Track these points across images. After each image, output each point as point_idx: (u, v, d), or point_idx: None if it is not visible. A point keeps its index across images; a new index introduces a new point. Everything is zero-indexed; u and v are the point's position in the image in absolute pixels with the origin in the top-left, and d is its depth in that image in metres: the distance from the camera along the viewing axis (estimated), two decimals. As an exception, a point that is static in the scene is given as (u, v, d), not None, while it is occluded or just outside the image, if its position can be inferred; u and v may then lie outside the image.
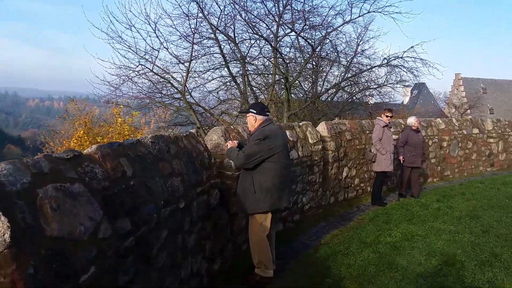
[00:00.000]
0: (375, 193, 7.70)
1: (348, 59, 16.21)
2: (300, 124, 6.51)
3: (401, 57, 15.32)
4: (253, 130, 4.07)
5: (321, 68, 17.06)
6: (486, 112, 47.95)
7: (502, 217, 6.52)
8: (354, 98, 18.96)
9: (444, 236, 5.63)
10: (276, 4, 14.13)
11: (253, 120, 4.05)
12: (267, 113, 4.07)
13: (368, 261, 4.70)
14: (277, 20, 14.16)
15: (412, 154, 8.18)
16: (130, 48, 12.70)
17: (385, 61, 15.83)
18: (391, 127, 7.95)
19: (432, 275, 4.32)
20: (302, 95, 18.06)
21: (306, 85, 18.43)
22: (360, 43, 16.05)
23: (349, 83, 17.58)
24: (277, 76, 15.08)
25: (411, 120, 8.41)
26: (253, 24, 14.04)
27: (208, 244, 3.94)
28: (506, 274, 4.37)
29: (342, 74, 16.69)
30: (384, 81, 17.61)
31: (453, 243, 5.33)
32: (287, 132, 5.92)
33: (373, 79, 17.48)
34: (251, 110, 4.07)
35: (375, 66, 16.24)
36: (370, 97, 20.94)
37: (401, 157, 8.17)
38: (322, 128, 7.09)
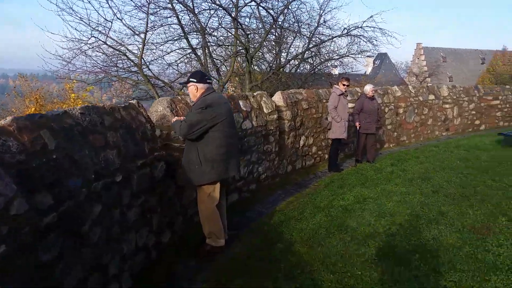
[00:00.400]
0: (331, 160, 7.81)
1: (311, 29, 16.14)
2: (255, 94, 6.42)
3: (361, 27, 15.41)
4: (196, 100, 3.94)
5: (283, 39, 16.89)
6: (446, 80, 49.49)
7: (452, 177, 6.77)
8: (317, 69, 19.06)
9: (395, 197, 5.79)
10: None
11: (194, 90, 3.92)
12: (208, 81, 3.94)
13: (320, 225, 4.77)
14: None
15: (367, 121, 8.31)
16: (82, 20, 12.05)
17: (346, 31, 15.87)
18: (347, 96, 7.99)
19: (380, 235, 4.44)
20: (265, 67, 17.91)
21: (270, 57, 18.25)
22: (323, 14, 15.97)
23: (311, 54, 17.59)
24: (239, 47, 14.81)
25: (366, 88, 8.49)
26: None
27: (155, 217, 3.85)
28: (450, 231, 4.55)
29: (305, 45, 16.59)
30: (346, 52, 17.75)
31: (403, 204, 5.49)
32: (241, 102, 5.82)
33: (335, 50, 17.53)
34: (190, 79, 3.93)
35: (335, 36, 16.23)
36: (333, 68, 21.14)
37: (357, 124, 8.28)
38: (278, 97, 7.03)
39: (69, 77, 13.27)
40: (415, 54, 53.85)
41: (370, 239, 4.31)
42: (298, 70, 18.88)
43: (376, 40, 15.33)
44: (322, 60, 18.37)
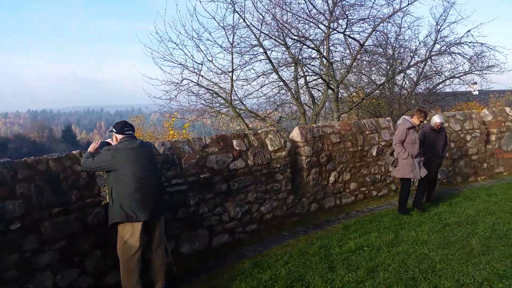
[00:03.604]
0: (400, 201, 6.76)
1: (429, 47, 15.07)
2: (259, 131, 6.32)
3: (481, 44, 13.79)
4: None
5: (395, 63, 15.70)
6: None
7: (498, 225, 5.40)
8: (435, 89, 17.65)
9: (400, 248, 4.91)
10: (325, 2, 13.60)
11: (114, 139, 4.14)
12: (127, 132, 4.08)
13: (276, 277, 4.34)
14: (328, 19, 13.65)
15: (427, 156, 7.11)
16: (181, 64, 13.53)
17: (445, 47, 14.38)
18: (419, 130, 6.89)
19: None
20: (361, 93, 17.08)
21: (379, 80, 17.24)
22: (441, 29, 14.73)
23: (429, 74, 16.45)
24: (325, 77, 14.59)
25: (435, 120, 7.20)
26: (299, 29, 13.86)
27: (90, 260, 4.14)
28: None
29: (421, 67, 15.45)
30: (469, 68, 15.92)
31: (401, 255, 4.63)
32: (234, 142, 5.80)
33: (453, 67, 15.87)
34: (112, 129, 4.17)
35: (434, 54, 14.78)
36: (472, 85, 19.32)
37: (422, 158, 7.18)
38: (296, 133, 6.75)
39: (170, 115, 14.96)
40: None
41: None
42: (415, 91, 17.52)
43: (481, 56, 13.55)
44: (442, 79, 17.05)
